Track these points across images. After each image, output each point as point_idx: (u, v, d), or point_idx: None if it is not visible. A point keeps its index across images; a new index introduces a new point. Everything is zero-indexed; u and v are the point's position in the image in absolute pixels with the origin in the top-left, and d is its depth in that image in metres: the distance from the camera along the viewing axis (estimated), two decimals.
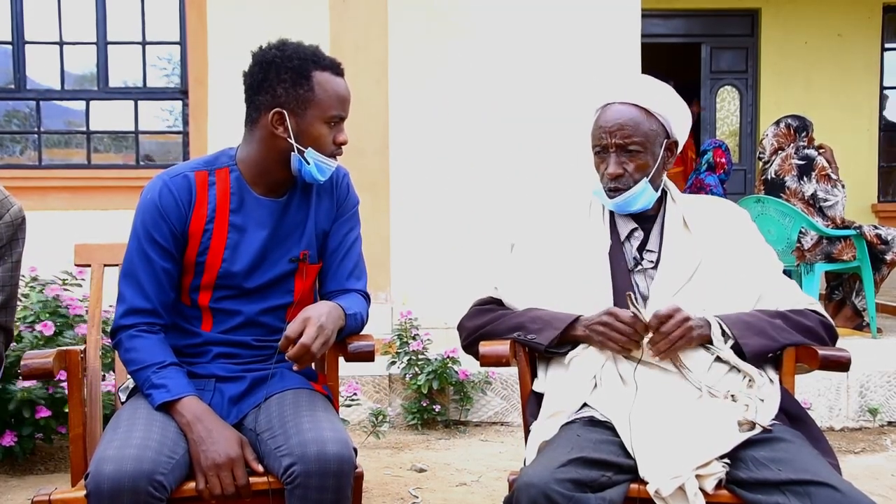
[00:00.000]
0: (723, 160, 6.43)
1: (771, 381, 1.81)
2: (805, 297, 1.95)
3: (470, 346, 2.01)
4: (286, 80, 1.82)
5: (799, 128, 5.07)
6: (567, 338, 1.84)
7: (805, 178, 4.89)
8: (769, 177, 5.08)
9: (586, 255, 1.93)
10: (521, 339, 1.87)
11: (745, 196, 5.52)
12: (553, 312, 1.88)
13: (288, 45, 1.86)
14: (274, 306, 1.92)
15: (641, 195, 1.91)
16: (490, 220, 4.81)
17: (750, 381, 1.78)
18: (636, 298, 1.80)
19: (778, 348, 1.82)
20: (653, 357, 1.78)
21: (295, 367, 1.77)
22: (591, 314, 1.85)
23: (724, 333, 1.79)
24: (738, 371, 1.81)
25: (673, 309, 1.76)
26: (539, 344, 1.83)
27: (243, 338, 1.90)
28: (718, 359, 1.80)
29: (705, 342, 1.80)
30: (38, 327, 3.08)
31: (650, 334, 1.76)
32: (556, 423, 1.75)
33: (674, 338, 1.75)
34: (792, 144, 5.04)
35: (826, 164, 4.95)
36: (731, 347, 1.79)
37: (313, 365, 2.05)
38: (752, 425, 1.68)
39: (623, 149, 1.89)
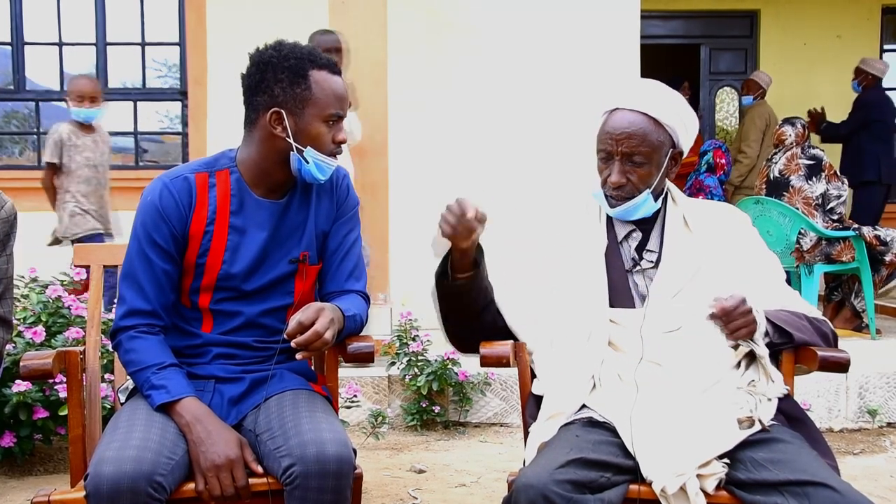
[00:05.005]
0: (723, 161, 6.44)
1: (773, 381, 1.80)
2: (811, 308, 1.95)
3: (454, 342, 2.02)
4: (283, 80, 1.82)
5: (806, 128, 5.13)
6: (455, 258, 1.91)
7: (814, 178, 4.92)
8: (772, 175, 5.09)
9: (582, 255, 1.93)
10: (438, 290, 1.96)
11: (745, 197, 5.53)
12: None
13: (284, 45, 1.86)
14: (274, 307, 1.92)
15: (642, 205, 1.90)
16: (490, 220, 4.81)
17: (751, 382, 1.79)
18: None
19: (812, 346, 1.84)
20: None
21: (299, 356, 1.75)
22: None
23: (766, 333, 1.78)
24: (740, 366, 1.81)
25: (738, 301, 1.72)
26: (440, 274, 1.93)
27: (243, 339, 1.90)
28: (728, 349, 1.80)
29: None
30: (28, 335, 3.07)
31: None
32: (556, 425, 1.75)
33: (740, 335, 1.73)
34: (797, 145, 5.07)
35: (832, 163, 5.00)
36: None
37: (312, 366, 2.05)
38: (752, 422, 1.68)
39: (628, 158, 1.87)
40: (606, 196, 1.92)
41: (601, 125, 1.93)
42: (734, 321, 1.72)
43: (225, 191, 1.88)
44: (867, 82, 6.49)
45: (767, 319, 1.78)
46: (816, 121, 6.67)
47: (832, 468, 1.64)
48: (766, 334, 1.78)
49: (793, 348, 1.84)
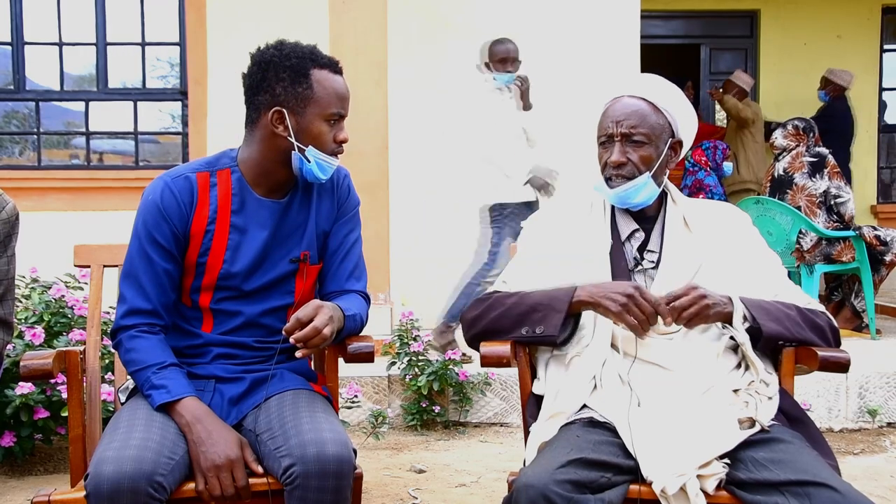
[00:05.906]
0: (704, 159, 6.44)
1: (757, 370, 1.80)
2: (813, 301, 1.94)
3: (474, 339, 1.98)
4: (285, 79, 1.82)
5: (806, 128, 5.13)
6: (573, 310, 1.82)
7: (817, 176, 4.93)
8: (777, 174, 5.10)
9: (587, 254, 1.93)
10: (530, 336, 1.83)
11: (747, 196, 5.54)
12: (549, 292, 1.85)
13: (286, 44, 1.87)
14: (274, 307, 1.92)
15: (643, 188, 1.90)
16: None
17: (751, 381, 1.79)
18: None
19: (791, 340, 1.81)
20: (667, 326, 1.74)
21: (298, 354, 1.76)
22: (590, 316, 1.85)
23: (744, 318, 1.77)
24: (740, 367, 1.81)
25: (688, 287, 1.75)
26: (551, 336, 1.80)
27: (243, 339, 1.90)
28: (728, 349, 1.80)
29: (725, 320, 1.78)
30: (27, 336, 3.07)
31: (665, 323, 1.74)
32: (556, 425, 1.75)
33: (688, 314, 1.72)
34: (802, 144, 5.07)
35: (836, 162, 5.00)
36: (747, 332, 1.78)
37: (312, 365, 2.05)
38: (753, 422, 1.68)
39: (628, 138, 1.89)
40: (606, 179, 1.92)
41: (602, 114, 1.95)
42: (684, 307, 1.71)
43: (226, 190, 1.88)
44: (834, 92, 6.64)
45: (744, 305, 1.78)
46: (718, 99, 7.06)
47: (833, 468, 1.64)
48: (745, 319, 1.77)
49: (792, 346, 1.84)
